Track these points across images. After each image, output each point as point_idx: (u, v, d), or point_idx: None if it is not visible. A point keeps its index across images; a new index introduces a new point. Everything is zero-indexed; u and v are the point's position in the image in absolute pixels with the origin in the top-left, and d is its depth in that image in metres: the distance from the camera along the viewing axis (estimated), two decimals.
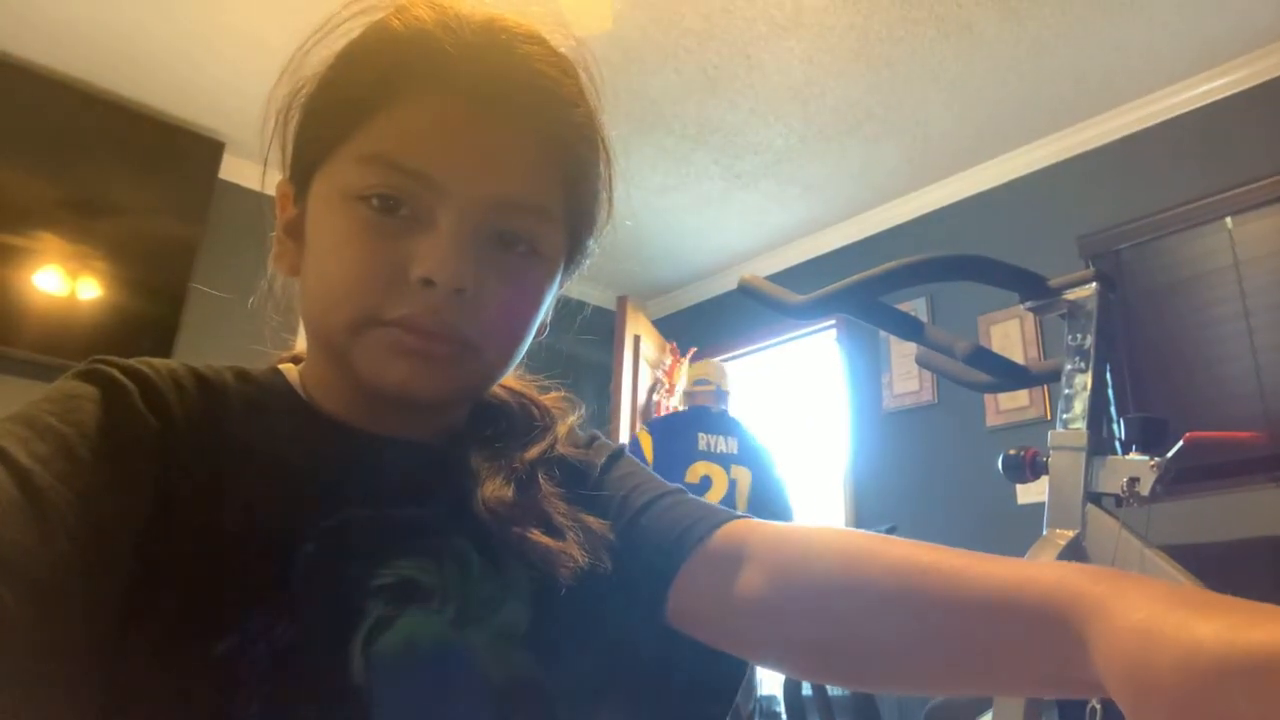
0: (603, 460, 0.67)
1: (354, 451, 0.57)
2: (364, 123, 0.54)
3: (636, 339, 4.43)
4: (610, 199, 0.64)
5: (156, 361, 0.53)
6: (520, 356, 0.60)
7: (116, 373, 0.50)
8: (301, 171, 0.58)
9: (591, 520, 0.60)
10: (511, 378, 0.68)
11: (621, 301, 4.35)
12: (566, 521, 0.58)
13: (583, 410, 0.70)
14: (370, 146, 0.53)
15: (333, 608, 0.49)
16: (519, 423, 0.65)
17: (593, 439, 0.70)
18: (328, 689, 0.47)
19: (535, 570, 0.56)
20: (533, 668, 0.53)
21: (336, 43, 0.58)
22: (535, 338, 0.63)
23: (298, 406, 0.59)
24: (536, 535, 0.56)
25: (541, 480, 0.61)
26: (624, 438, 4.12)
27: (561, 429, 0.67)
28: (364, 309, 0.52)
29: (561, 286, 0.65)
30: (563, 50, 0.60)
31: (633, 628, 0.59)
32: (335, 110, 0.55)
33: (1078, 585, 0.37)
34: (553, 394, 0.70)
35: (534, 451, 0.63)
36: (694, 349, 4.79)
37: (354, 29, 0.58)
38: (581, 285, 0.69)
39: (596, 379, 4.85)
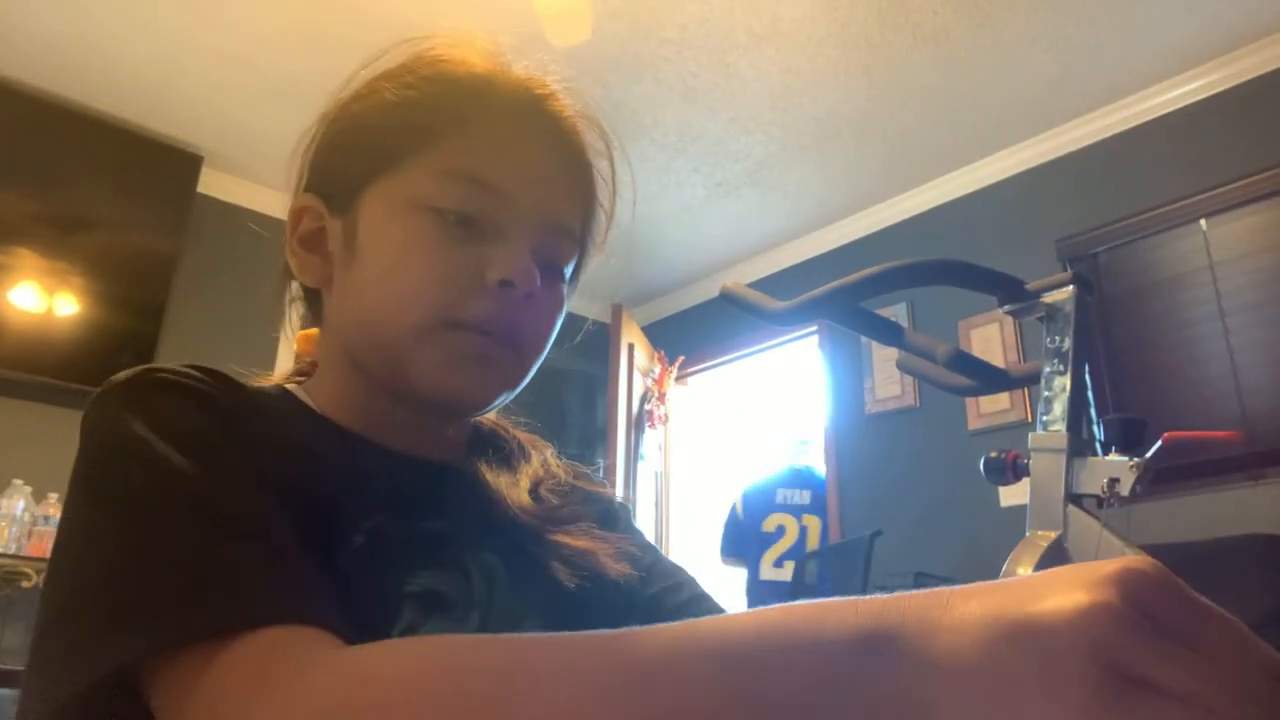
0: (626, 514, 0.74)
1: (381, 465, 0.59)
2: (434, 143, 0.59)
3: (630, 347, 4.40)
4: (607, 233, 0.71)
5: (179, 367, 0.54)
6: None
7: (180, 379, 0.51)
8: (344, 186, 0.62)
9: (610, 535, 0.66)
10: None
11: (616, 310, 4.31)
12: (590, 536, 0.64)
13: (551, 448, 0.76)
14: (449, 162, 0.59)
15: (372, 606, 0.51)
16: (511, 446, 0.70)
17: (602, 484, 0.76)
18: None
19: (556, 586, 0.59)
20: None
21: (369, 75, 0.64)
22: None
23: (317, 419, 0.61)
24: (571, 539, 0.62)
25: (547, 494, 0.66)
26: (620, 446, 4.08)
27: (550, 456, 0.73)
28: (438, 309, 0.57)
29: None
30: (580, 101, 0.68)
31: None
32: (399, 130, 0.60)
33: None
34: (523, 431, 0.76)
35: (532, 469, 0.68)
36: (681, 357, 4.78)
37: (395, 64, 0.64)
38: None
39: (580, 387, 4.85)
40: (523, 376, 0.63)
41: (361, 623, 0.49)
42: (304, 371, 0.69)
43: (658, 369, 4.67)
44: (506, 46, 0.66)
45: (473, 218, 0.58)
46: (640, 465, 4.33)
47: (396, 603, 0.52)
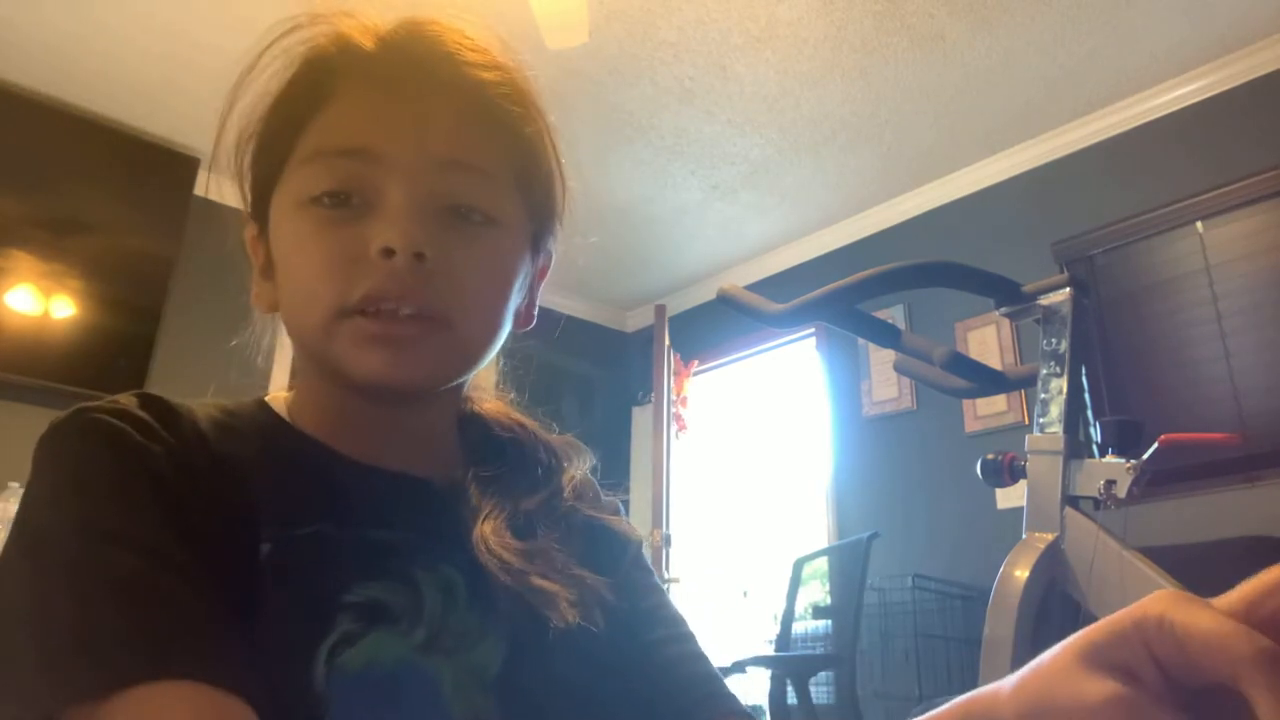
0: (635, 551, 0.68)
1: (338, 473, 0.57)
2: (301, 134, 0.56)
3: (668, 350, 4.33)
4: (560, 168, 0.65)
5: (121, 397, 0.54)
6: (500, 336, 0.60)
7: (103, 416, 0.51)
8: (258, 204, 0.60)
9: (588, 575, 0.60)
10: (518, 411, 0.69)
11: (660, 310, 4.22)
12: (562, 575, 0.58)
13: (591, 460, 0.70)
14: (309, 148, 0.56)
15: (297, 615, 0.49)
16: (525, 462, 0.65)
17: (615, 510, 0.70)
18: (289, 692, 0.47)
19: (524, 610, 0.55)
20: (494, 712, 0.52)
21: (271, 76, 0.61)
22: (520, 329, 0.63)
23: (280, 428, 0.59)
24: (532, 579, 0.57)
25: (540, 532, 0.61)
26: (666, 450, 4.00)
27: (566, 477, 0.67)
28: (330, 300, 0.54)
29: (537, 269, 0.65)
30: (483, 35, 0.62)
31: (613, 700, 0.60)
32: (276, 135, 0.58)
33: None
34: (560, 435, 0.69)
35: (534, 501, 0.63)
36: (695, 361, 4.76)
37: (283, 58, 0.60)
38: (558, 297, 0.70)
39: (578, 389, 4.84)
40: (464, 348, 0.58)
41: (287, 634, 0.48)
42: None
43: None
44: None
45: (343, 192, 0.54)
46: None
47: (331, 612, 0.50)
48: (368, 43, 0.58)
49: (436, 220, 0.55)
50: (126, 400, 0.53)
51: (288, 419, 0.61)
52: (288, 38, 0.60)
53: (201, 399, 0.58)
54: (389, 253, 0.52)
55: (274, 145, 0.58)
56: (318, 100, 0.57)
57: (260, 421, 0.60)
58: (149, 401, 0.53)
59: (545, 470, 0.66)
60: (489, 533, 0.57)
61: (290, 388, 0.65)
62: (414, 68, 0.58)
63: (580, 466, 0.69)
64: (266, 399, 0.62)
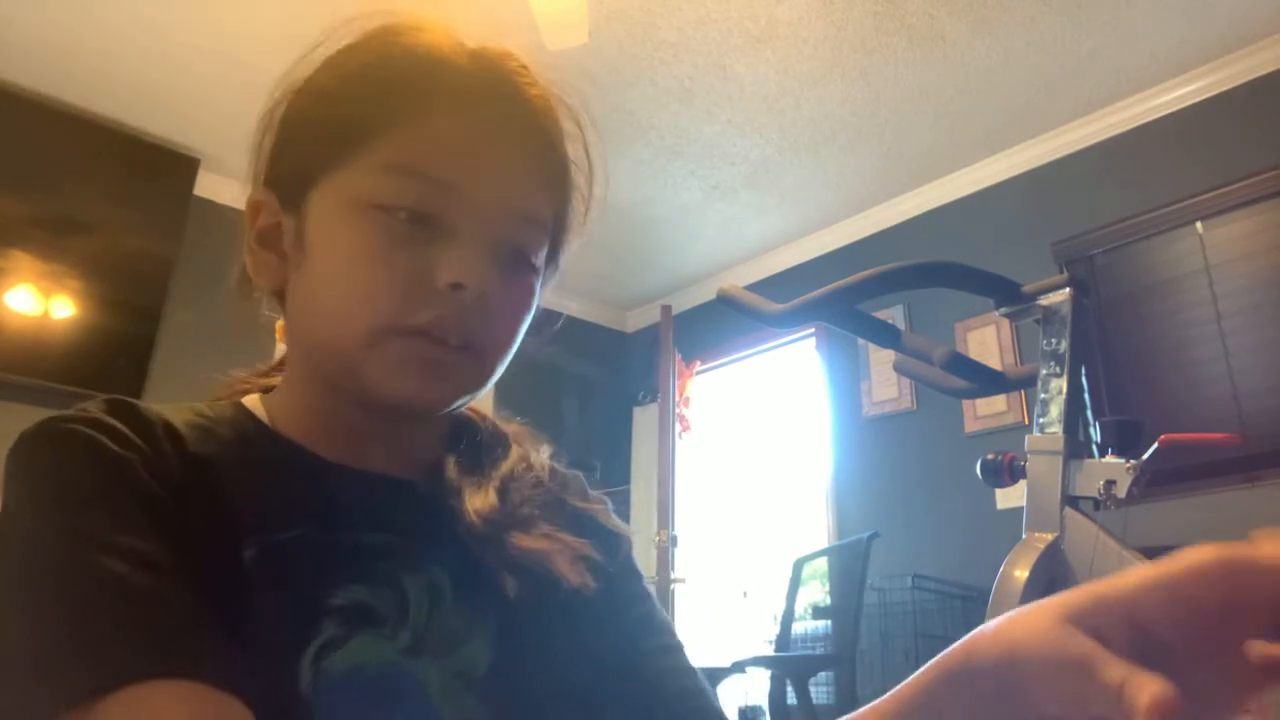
0: (626, 547, 0.69)
1: (320, 476, 0.57)
2: (381, 135, 0.56)
3: (674, 350, 4.32)
4: (587, 216, 0.67)
5: (90, 405, 0.53)
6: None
7: (76, 426, 0.50)
8: (293, 182, 0.58)
9: (571, 539, 0.61)
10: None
11: (665, 310, 4.21)
12: (558, 541, 0.60)
13: (548, 447, 0.71)
14: (396, 157, 0.55)
15: (284, 618, 0.49)
16: (488, 437, 0.67)
17: (603, 503, 0.71)
18: (275, 695, 0.47)
19: (513, 606, 0.56)
20: (481, 712, 0.53)
21: (323, 56, 0.60)
22: None
23: (260, 432, 0.59)
24: (525, 540, 0.58)
25: (515, 496, 0.62)
26: (671, 450, 3.99)
27: (533, 455, 0.68)
28: (386, 316, 0.54)
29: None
30: (548, 78, 0.63)
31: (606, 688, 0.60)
32: (344, 122, 0.57)
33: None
34: (514, 424, 0.71)
35: (505, 466, 0.64)
36: (697, 361, 4.75)
37: (341, 48, 0.59)
38: (558, 297, 0.70)
39: (578, 389, 4.84)
40: (486, 377, 0.59)
41: (272, 638, 0.48)
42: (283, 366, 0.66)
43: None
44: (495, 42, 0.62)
45: (424, 215, 0.55)
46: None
47: (316, 616, 0.50)
48: (462, 66, 0.59)
49: (495, 261, 0.57)
50: (96, 408, 0.52)
51: (267, 422, 0.60)
52: (369, 31, 0.59)
53: (177, 402, 0.57)
54: (459, 288, 0.54)
55: (339, 134, 0.57)
56: (405, 107, 0.56)
57: (239, 425, 0.59)
58: (119, 408, 0.53)
59: (504, 448, 0.67)
60: (476, 506, 0.59)
61: (266, 389, 0.64)
62: (500, 107, 0.59)
63: (536, 453, 0.69)
64: (244, 401, 0.62)
